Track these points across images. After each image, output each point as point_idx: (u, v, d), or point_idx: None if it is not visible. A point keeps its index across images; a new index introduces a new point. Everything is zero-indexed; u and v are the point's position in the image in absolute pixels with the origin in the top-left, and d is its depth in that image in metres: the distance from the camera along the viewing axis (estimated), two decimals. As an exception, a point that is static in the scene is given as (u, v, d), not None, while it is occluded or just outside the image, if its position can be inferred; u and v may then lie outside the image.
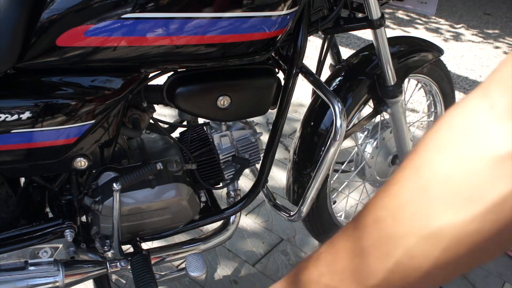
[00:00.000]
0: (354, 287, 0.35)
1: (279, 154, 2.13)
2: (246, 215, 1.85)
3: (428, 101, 1.68)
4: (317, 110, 1.34)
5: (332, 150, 1.17)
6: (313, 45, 3.33)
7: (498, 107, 0.29)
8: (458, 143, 0.30)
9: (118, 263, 1.13)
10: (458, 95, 2.89)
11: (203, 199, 1.27)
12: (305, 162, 1.35)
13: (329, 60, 1.50)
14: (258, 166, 1.25)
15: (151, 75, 1.02)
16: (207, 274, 1.59)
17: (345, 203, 1.68)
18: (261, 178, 1.21)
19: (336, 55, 1.51)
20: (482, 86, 0.31)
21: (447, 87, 1.63)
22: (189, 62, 1.00)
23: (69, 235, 1.05)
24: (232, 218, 1.30)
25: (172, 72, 1.05)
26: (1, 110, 0.86)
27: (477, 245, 0.30)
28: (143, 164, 1.11)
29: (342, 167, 1.55)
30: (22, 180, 1.18)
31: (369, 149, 1.51)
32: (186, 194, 1.13)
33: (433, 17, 4.13)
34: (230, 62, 1.01)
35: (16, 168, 0.97)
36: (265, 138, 1.17)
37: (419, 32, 3.86)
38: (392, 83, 1.31)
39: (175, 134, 1.28)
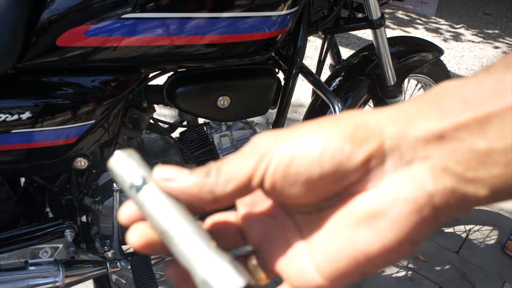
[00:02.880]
0: None
1: (279, 154, 2.12)
2: (246, 215, 1.85)
3: (428, 101, 1.68)
4: (317, 110, 1.34)
5: (332, 150, 1.16)
6: (313, 45, 3.33)
7: None
8: None
9: (118, 263, 1.13)
10: (458, 95, 2.89)
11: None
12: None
13: (329, 60, 1.50)
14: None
15: (151, 75, 1.02)
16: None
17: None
18: (261, 178, 1.21)
19: (336, 55, 1.51)
20: None
21: (447, 87, 1.63)
22: (189, 62, 1.00)
23: (69, 235, 1.05)
24: (232, 218, 1.30)
25: (172, 72, 1.05)
26: (1, 110, 0.86)
27: None
28: (143, 164, 1.10)
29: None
30: (22, 180, 1.18)
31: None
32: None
33: (433, 17, 4.13)
34: (230, 62, 1.01)
35: (16, 168, 0.97)
36: (265, 138, 1.17)
37: (419, 32, 3.86)
38: (392, 83, 1.31)
39: (175, 134, 1.28)
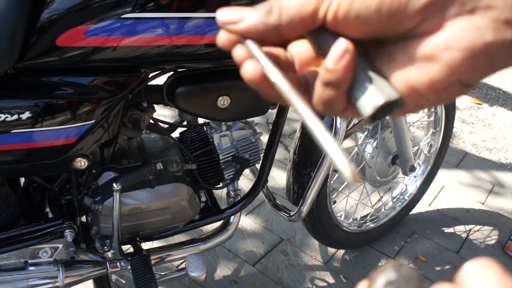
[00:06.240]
0: None
1: (279, 154, 2.13)
2: (246, 215, 1.85)
3: (428, 101, 1.68)
4: (317, 110, 1.34)
5: (332, 150, 1.16)
6: (313, 45, 3.32)
7: None
8: None
9: (118, 263, 1.13)
10: (458, 95, 2.89)
11: (203, 199, 1.27)
12: (305, 162, 1.35)
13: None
14: (258, 166, 1.25)
15: (151, 75, 1.02)
16: (207, 274, 1.59)
17: (345, 203, 1.68)
18: (261, 178, 1.21)
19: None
20: None
21: (447, 87, 1.63)
22: (189, 62, 1.00)
23: (69, 235, 1.05)
24: (232, 218, 1.30)
25: (172, 72, 1.05)
26: (1, 110, 0.86)
27: None
28: (143, 164, 1.11)
29: (342, 167, 1.54)
30: (22, 180, 1.18)
31: (369, 149, 1.51)
32: (186, 194, 1.13)
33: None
34: (230, 62, 1.01)
35: (16, 168, 0.97)
36: (265, 138, 1.17)
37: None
38: (392, 83, 1.31)
39: (175, 134, 1.28)
